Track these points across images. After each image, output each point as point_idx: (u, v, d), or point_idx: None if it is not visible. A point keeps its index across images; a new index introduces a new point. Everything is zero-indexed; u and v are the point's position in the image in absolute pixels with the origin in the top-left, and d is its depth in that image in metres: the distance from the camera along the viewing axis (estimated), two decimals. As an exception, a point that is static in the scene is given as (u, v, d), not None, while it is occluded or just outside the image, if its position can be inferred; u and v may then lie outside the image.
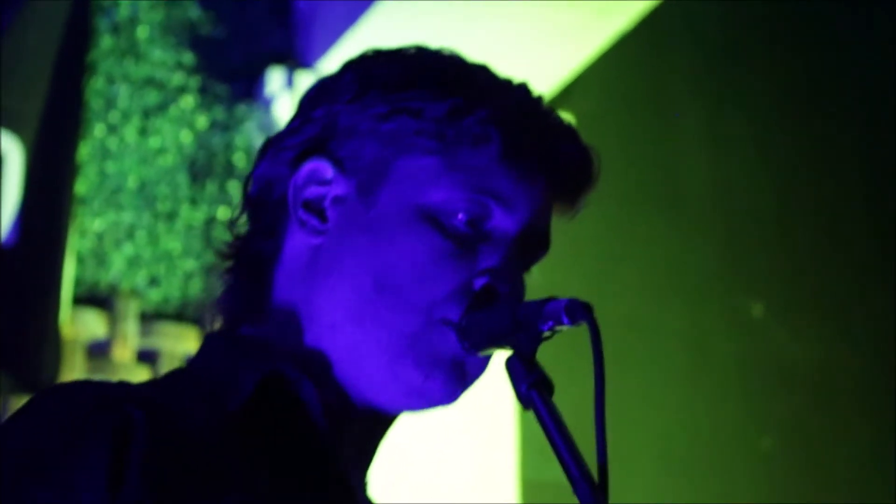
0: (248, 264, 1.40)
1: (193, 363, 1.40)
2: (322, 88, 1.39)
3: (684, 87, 3.77)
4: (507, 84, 1.37)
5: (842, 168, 3.97)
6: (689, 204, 3.61)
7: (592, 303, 1.25)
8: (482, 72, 1.37)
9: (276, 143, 1.41)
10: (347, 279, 1.34)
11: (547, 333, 1.22)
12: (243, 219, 1.43)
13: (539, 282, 1.50)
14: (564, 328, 1.20)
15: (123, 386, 1.28)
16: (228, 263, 1.43)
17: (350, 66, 1.39)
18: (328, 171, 1.34)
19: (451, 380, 1.31)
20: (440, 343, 1.30)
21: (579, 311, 1.19)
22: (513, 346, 1.22)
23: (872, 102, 4.10)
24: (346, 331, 1.31)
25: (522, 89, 1.38)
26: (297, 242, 1.37)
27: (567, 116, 3.54)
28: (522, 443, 3.27)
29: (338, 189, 1.35)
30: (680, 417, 3.28)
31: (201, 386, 1.32)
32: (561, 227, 1.49)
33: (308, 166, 1.34)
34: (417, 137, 1.33)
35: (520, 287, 1.33)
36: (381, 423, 1.37)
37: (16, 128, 3.14)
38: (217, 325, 1.43)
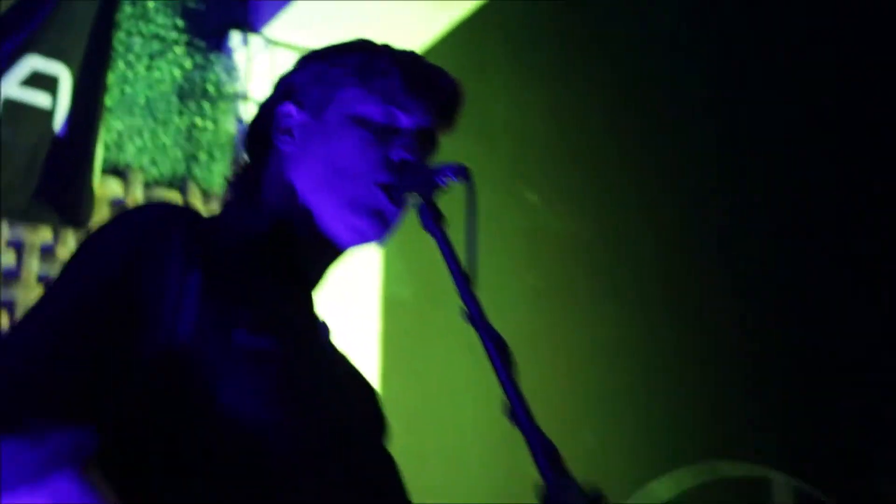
0: (249, 174, 1.64)
1: (221, 215, 1.61)
2: (284, 76, 1.67)
3: (498, 73, 4.32)
4: (400, 49, 1.62)
5: (598, 101, 4.57)
6: (495, 132, 4.15)
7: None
8: (384, 44, 1.63)
9: (259, 112, 1.66)
10: (311, 168, 1.58)
11: (441, 185, 1.46)
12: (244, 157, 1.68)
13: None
14: (452, 181, 1.45)
15: (185, 207, 1.46)
16: (235, 179, 1.67)
17: (298, 59, 1.67)
18: (293, 110, 1.61)
19: (376, 222, 1.55)
20: (369, 199, 1.53)
21: (461, 172, 1.45)
22: (421, 194, 1.45)
23: (623, 52, 4.63)
24: (313, 198, 1.55)
25: (411, 51, 1.62)
26: (277, 155, 1.61)
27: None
28: (386, 269, 3.81)
29: (299, 119, 1.60)
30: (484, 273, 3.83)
31: (230, 226, 1.54)
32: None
33: (282, 110, 1.62)
34: (347, 77, 1.59)
35: (423, 159, 1.57)
36: (336, 254, 1.60)
37: (66, 60, 3.61)
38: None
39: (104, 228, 1.44)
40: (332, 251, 1.59)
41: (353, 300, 3.63)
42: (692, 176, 4.60)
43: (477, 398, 3.85)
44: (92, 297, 1.32)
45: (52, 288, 1.38)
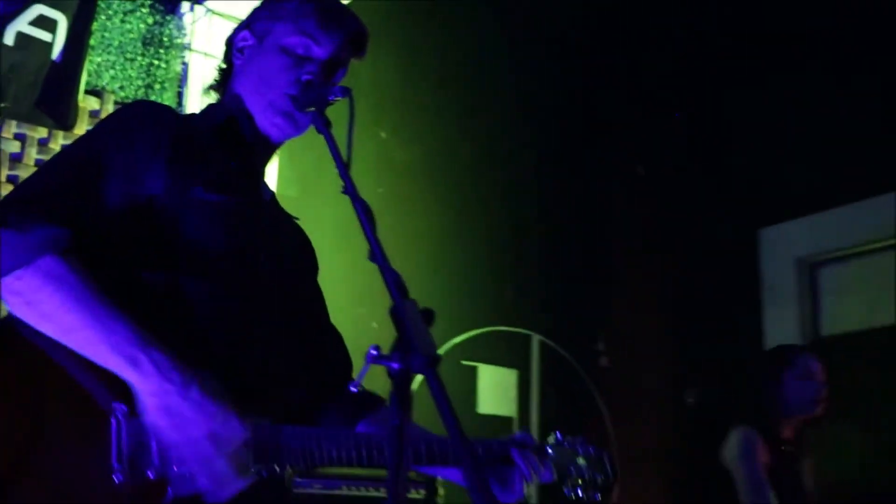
0: (219, 81, 1.95)
1: (200, 113, 1.83)
2: (252, 11, 1.92)
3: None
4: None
5: (434, 70, 5.23)
6: (361, 87, 4.36)
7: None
8: None
9: (231, 35, 1.95)
10: (248, 79, 1.87)
11: (331, 101, 1.70)
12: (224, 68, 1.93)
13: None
14: (339, 99, 1.70)
15: (165, 107, 1.70)
16: (213, 84, 1.94)
17: (263, 1, 1.93)
18: (248, 35, 1.92)
19: (289, 121, 1.81)
20: (280, 104, 1.80)
21: (346, 91, 1.69)
22: (316, 106, 1.71)
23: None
24: (249, 101, 1.85)
25: (335, 1, 1.87)
26: (234, 69, 1.93)
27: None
28: (279, 173, 4.13)
29: (250, 42, 1.91)
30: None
31: (201, 120, 1.80)
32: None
33: (241, 34, 1.94)
34: (283, 16, 1.84)
35: (324, 81, 1.77)
36: (272, 144, 1.86)
37: (64, 10, 3.97)
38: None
39: (113, 115, 1.66)
40: (269, 142, 1.83)
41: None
42: (494, 121, 5.47)
43: (344, 265, 4.12)
44: (90, 154, 1.51)
45: (72, 145, 1.58)
